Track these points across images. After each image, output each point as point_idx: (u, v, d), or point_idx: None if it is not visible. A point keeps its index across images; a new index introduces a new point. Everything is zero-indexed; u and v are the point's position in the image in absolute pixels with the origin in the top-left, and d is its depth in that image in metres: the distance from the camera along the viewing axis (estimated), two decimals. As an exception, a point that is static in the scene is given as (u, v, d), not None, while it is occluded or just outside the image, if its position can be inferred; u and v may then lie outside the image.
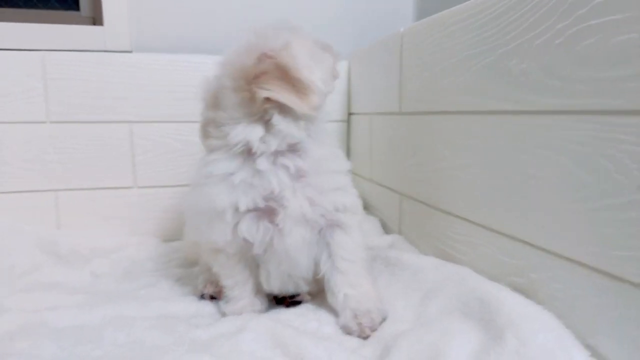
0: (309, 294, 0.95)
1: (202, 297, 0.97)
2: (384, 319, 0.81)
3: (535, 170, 0.71)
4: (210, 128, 0.85)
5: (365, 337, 0.78)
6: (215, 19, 1.52)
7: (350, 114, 1.60)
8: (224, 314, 0.89)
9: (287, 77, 0.75)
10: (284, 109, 0.78)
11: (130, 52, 1.41)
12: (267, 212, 0.80)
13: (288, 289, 0.90)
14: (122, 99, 1.39)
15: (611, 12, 0.57)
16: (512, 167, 0.76)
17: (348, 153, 1.61)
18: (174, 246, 1.34)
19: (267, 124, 0.79)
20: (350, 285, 0.84)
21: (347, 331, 0.81)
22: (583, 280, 0.63)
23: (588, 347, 0.61)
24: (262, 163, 0.80)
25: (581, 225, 0.63)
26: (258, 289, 0.90)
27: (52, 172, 1.38)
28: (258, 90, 0.75)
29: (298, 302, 0.93)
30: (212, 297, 0.96)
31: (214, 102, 0.84)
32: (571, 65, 0.63)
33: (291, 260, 0.83)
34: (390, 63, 1.21)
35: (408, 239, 1.14)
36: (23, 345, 0.76)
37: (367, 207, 1.43)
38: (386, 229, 1.29)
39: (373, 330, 0.79)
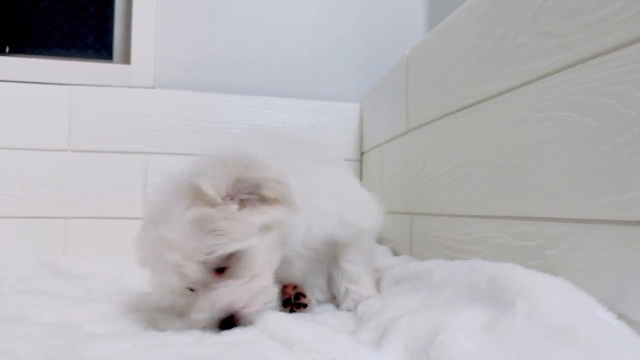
0: (317, 300, 0.92)
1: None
2: None
3: (543, 137, 0.67)
4: None
5: None
6: (231, 62, 1.61)
7: (362, 153, 1.60)
8: None
9: None
10: None
11: (152, 88, 1.50)
12: None
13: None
14: (141, 130, 1.44)
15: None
16: (519, 144, 0.72)
17: (360, 192, 1.58)
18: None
19: None
20: (351, 281, 0.89)
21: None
22: (604, 239, 0.56)
23: (617, 314, 0.52)
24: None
25: (594, 177, 0.57)
26: None
27: (65, 200, 1.39)
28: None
29: (304, 305, 0.86)
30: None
31: None
32: (563, 20, 0.63)
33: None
34: (398, 86, 1.23)
35: (418, 257, 1.06)
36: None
37: (379, 240, 1.37)
38: (397, 254, 1.21)
39: None
